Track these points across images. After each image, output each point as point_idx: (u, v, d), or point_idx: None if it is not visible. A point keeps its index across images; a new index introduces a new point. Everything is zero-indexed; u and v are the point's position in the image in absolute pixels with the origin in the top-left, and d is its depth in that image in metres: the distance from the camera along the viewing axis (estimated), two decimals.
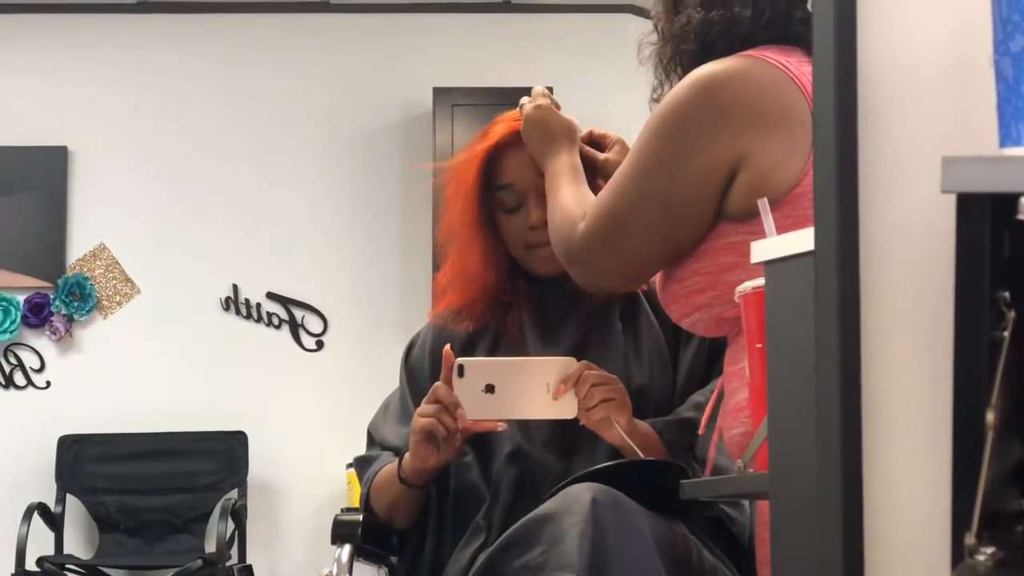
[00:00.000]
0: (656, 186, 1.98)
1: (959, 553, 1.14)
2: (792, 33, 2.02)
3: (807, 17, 1.32)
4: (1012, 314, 1.14)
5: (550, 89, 2.53)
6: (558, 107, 2.50)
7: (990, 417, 1.12)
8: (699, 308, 2.00)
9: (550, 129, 2.42)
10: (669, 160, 1.96)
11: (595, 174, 2.49)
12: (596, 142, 2.54)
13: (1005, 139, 1.15)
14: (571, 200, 2.21)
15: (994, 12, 1.17)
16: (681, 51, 2.08)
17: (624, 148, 2.50)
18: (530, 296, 2.59)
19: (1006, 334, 1.14)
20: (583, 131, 2.51)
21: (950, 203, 1.17)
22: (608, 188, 2.06)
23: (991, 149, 1.17)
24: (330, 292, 6.13)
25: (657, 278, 2.11)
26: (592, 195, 2.21)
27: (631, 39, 2.24)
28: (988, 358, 1.14)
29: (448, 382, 2.38)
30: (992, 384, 1.13)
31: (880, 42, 1.28)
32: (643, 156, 1.99)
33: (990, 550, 1.12)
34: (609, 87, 5.74)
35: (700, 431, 2.04)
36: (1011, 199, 1.09)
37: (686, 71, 2.01)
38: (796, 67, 1.94)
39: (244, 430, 5.93)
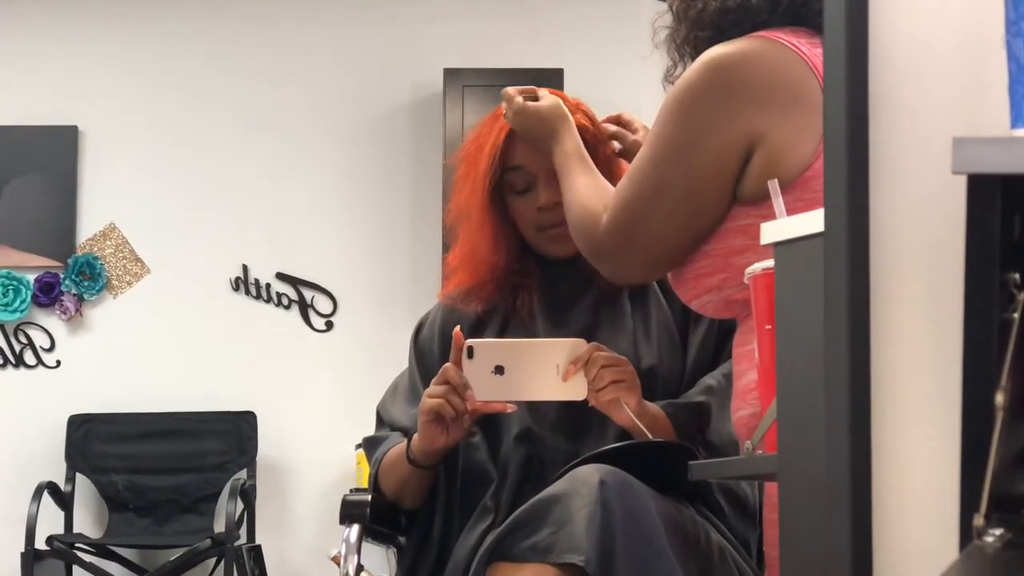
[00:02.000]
0: (674, 173, 1.97)
1: (967, 535, 1.14)
2: (809, 22, 2.01)
3: (823, 7, 1.31)
4: (1022, 296, 1.14)
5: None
6: (535, 92, 2.49)
7: (1000, 399, 1.12)
8: (709, 290, 1.99)
9: (542, 121, 2.42)
10: (685, 145, 1.96)
11: (623, 155, 2.51)
12: (625, 125, 2.55)
13: (1016, 120, 1.14)
14: (588, 192, 2.20)
15: None
16: (696, 36, 2.08)
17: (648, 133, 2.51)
18: (540, 277, 2.59)
19: (1016, 316, 1.14)
20: (574, 100, 2.52)
21: (961, 184, 1.17)
22: (627, 178, 2.06)
23: (1002, 130, 1.17)
24: (340, 273, 6.14)
25: None
26: (607, 184, 2.21)
27: (642, 19, 2.24)
28: (998, 340, 1.14)
29: (458, 363, 2.38)
30: (1002, 366, 1.13)
31: (891, 23, 1.27)
32: (659, 143, 1.99)
33: (999, 531, 1.12)
34: (620, 68, 5.73)
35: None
36: (1022, 180, 1.09)
37: (699, 53, 2.01)
38: (808, 48, 1.93)
39: (253, 410, 5.94)
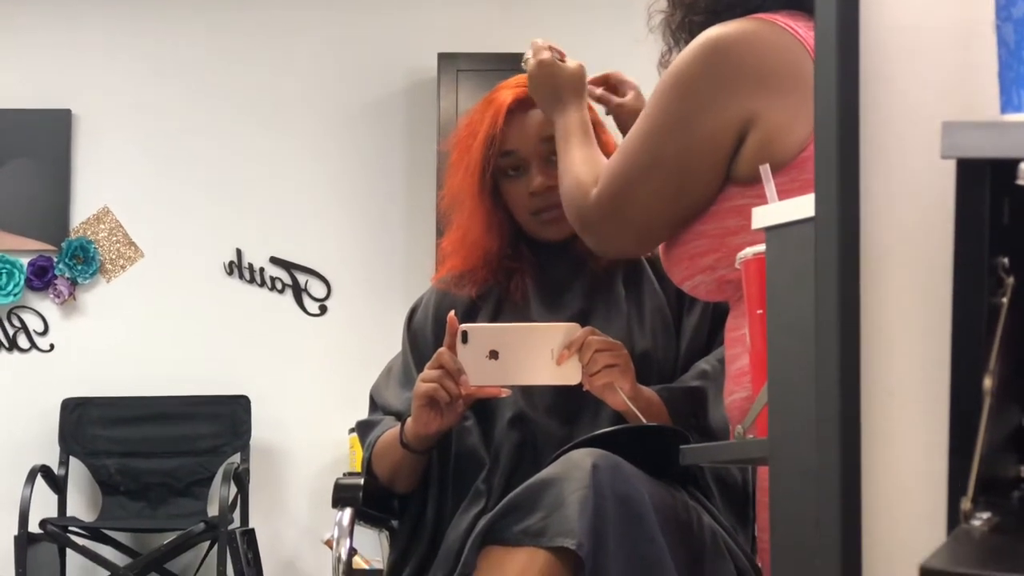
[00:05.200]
0: (666, 148, 1.98)
1: (955, 518, 1.15)
2: (804, 6, 2.01)
3: None
4: (1011, 280, 1.14)
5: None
6: (562, 55, 2.47)
7: (988, 383, 1.12)
8: (702, 271, 2.00)
9: (557, 85, 2.42)
10: (679, 122, 1.96)
11: (603, 125, 2.50)
12: (614, 87, 2.54)
13: (1006, 105, 1.14)
14: (582, 164, 2.21)
15: None
16: (691, 20, 2.08)
17: (640, 96, 2.51)
18: (534, 261, 2.60)
19: (1004, 300, 1.14)
20: (594, 75, 2.51)
21: (950, 169, 1.17)
22: (619, 152, 2.06)
23: (992, 115, 1.17)
24: (333, 257, 6.13)
25: None
26: (603, 157, 2.21)
27: (638, 4, 2.24)
28: (986, 324, 1.14)
29: (452, 348, 2.38)
30: (990, 350, 1.13)
31: (882, 7, 1.28)
32: (653, 118, 1.99)
33: (986, 515, 1.12)
34: (615, 52, 5.71)
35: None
36: (1011, 165, 1.09)
37: (694, 38, 2.01)
38: (805, 31, 1.93)
39: (247, 394, 5.94)
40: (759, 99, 1.92)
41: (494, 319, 2.56)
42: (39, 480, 5.62)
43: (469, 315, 2.57)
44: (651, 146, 1.99)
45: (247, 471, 5.80)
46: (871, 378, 1.26)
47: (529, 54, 2.46)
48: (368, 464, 2.58)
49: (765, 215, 1.47)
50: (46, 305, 6.08)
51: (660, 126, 1.98)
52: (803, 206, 1.38)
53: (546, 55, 2.44)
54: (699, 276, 2.01)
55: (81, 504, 5.96)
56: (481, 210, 2.55)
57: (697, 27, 2.04)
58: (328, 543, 5.09)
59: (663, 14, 2.15)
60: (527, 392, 2.48)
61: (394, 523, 2.65)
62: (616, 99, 2.52)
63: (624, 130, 2.47)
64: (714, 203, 1.98)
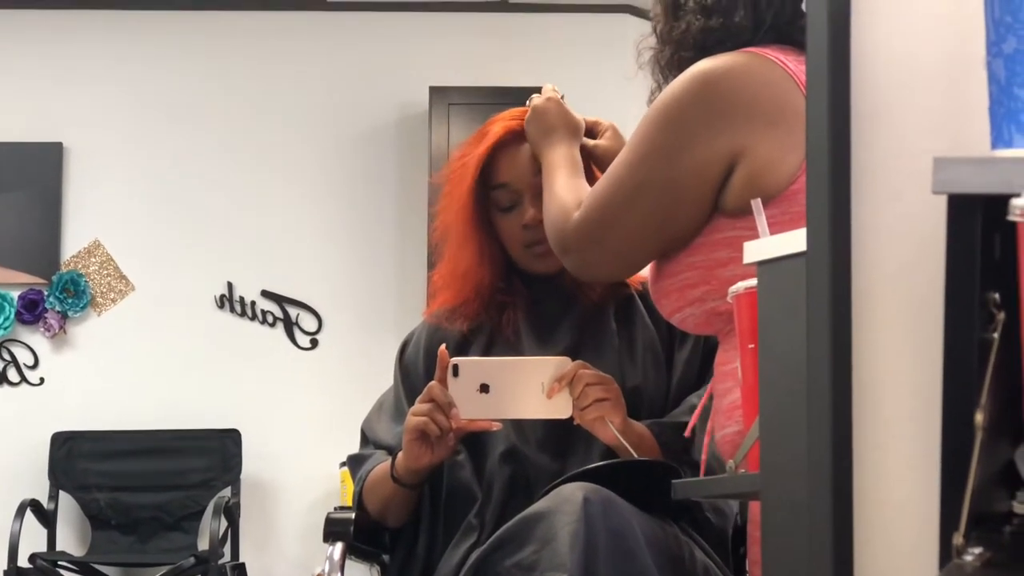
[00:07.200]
0: (653, 176, 1.98)
1: (947, 553, 1.15)
2: (793, 41, 2.02)
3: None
4: (1002, 315, 1.14)
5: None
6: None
7: (979, 418, 1.12)
8: (691, 303, 2.00)
9: (554, 121, 2.44)
10: (667, 152, 1.96)
11: (588, 162, 2.50)
12: (588, 130, 2.55)
13: (997, 140, 1.15)
14: (566, 191, 2.22)
15: (987, 14, 1.17)
16: (680, 56, 2.08)
17: (616, 133, 2.52)
18: (525, 295, 2.59)
19: (996, 335, 1.14)
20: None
21: (941, 204, 1.17)
22: (604, 178, 2.07)
23: (983, 150, 1.18)
24: (325, 290, 6.14)
25: (649, 273, 2.11)
26: (588, 187, 2.22)
27: (629, 39, 2.25)
28: (978, 359, 1.14)
29: (443, 381, 2.38)
30: (981, 385, 1.13)
31: (874, 42, 1.28)
32: (641, 147, 2.00)
33: (978, 550, 1.12)
34: (606, 87, 5.73)
35: (687, 433, 2.05)
36: (1002, 200, 1.09)
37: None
38: (795, 65, 1.94)
39: (238, 428, 5.93)
40: (748, 132, 1.93)
41: (486, 353, 2.56)
42: (28, 514, 5.60)
43: (460, 349, 2.57)
44: (637, 175, 2.00)
45: (238, 505, 5.78)
46: (863, 413, 1.26)
47: (537, 95, 2.50)
48: (359, 498, 2.57)
49: (757, 249, 1.47)
50: (36, 339, 6.07)
51: (647, 156, 1.99)
52: (795, 240, 1.38)
53: (554, 95, 2.50)
54: (688, 308, 2.01)
55: (71, 538, 5.93)
56: (473, 241, 2.55)
57: (686, 63, 2.04)
58: None
59: (652, 51, 2.15)
60: (519, 426, 2.48)
61: (385, 557, 2.64)
62: (592, 142, 2.53)
63: (603, 170, 2.48)
64: (703, 235, 1.98)
